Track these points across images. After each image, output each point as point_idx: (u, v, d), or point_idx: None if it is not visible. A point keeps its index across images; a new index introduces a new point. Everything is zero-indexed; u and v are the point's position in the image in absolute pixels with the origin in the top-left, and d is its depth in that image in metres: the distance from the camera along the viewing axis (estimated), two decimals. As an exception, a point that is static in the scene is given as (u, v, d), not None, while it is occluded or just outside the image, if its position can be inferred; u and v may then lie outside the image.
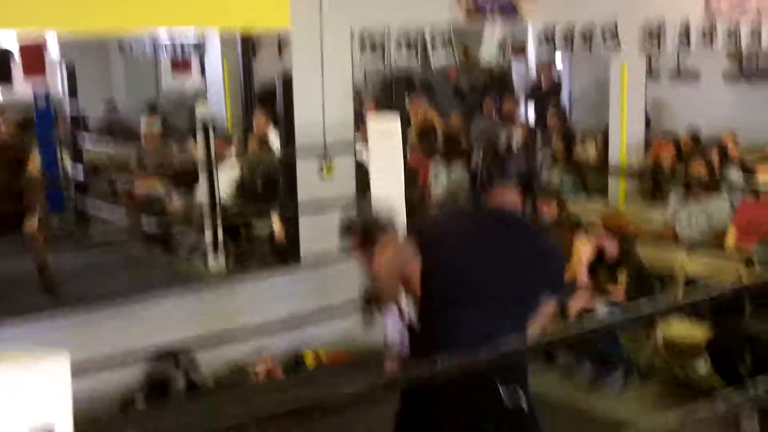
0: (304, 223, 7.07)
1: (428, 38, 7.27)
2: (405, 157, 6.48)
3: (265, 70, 11.42)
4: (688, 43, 9.20)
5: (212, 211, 8.42)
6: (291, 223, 7.30)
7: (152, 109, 14.40)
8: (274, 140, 9.30)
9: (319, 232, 7.09)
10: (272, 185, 8.96)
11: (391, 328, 3.89)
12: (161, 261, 8.50)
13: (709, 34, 9.33)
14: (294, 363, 6.93)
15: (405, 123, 7.11)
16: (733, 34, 9.52)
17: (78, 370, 3.47)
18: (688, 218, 7.59)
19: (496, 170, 3.49)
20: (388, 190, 6.01)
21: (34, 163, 8.84)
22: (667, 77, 12.24)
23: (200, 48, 12.74)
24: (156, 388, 6.39)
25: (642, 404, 6.19)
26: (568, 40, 8.42)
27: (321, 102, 7.05)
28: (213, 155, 8.42)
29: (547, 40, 8.37)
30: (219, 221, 8.38)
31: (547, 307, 3.49)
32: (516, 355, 3.30)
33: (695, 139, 9.41)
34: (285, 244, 7.85)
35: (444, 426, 3.36)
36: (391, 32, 7.22)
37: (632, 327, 5.94)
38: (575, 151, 9.61)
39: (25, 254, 7.49)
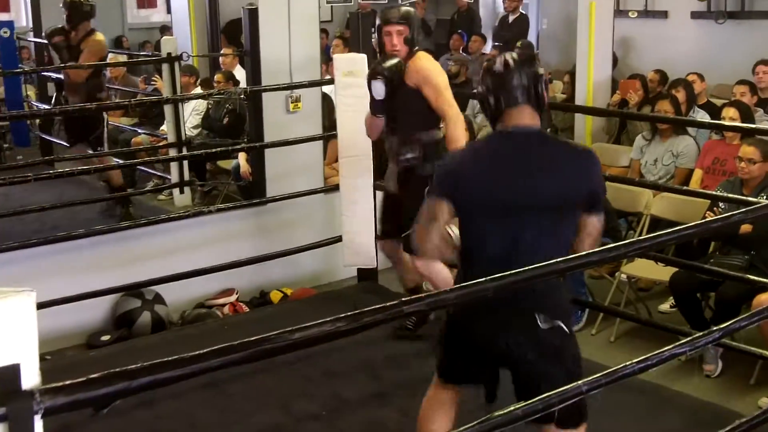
0: (271, 159, 7.04)
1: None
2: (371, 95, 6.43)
3: (231, 4, 11.30)
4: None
5: (178, 146, 8.38)
6: (257, 159, 7.26)
7: (117, 43, 14.25)
8: (241, 75, 9.22)
9: (285, 168, 7.07)
10: (238, 120, 8.91)
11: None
12: (126, 196, 8.45)
13: (677, -28, 9.29)
14: (259, 300, 6.94)
15: (372, 59, 7.06)
16: (702, -27, 9.50)
17: (44, 308, 3.44)
18: (654, 157, 7.62)
19: (503, 93, 3.41)
20: (355, 130, 5.99)
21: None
22: (635, 15, 12.19)
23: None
24: (122, 325, 6.39)
25: (605, 343, 6.25)
26: (537, -24, 8.37)
27: (287, 37, 6.98)
28: (178, 90, 8.37)
29: (516, -24, 8.31)
30: (185, 157, 8.37)
31: (596, 224, 3.47)
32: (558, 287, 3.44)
33: (662, 78, 9.41)
34: (251, 179, 7.82)
35: (488, 345, 3.41)
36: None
37: (597, 266, 5.98)
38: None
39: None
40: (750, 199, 5.60)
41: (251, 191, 7.61)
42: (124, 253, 6.40)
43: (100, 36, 8.04)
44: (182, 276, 6.32)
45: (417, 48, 5.37)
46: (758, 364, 5.50)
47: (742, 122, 6.97)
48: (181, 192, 8.53)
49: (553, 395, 2.88)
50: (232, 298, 6.76)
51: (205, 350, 2.21)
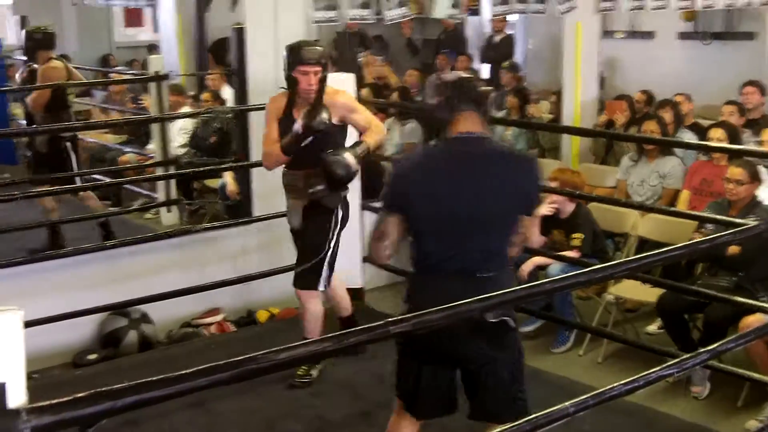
0: (258, 178, 7.03)
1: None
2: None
3: (218, 23, 11.31)
4: (643, 2, 9.20)
5: (165, 164, 8.37)
6: (244, 178, 7.26)
7: (104, 62, 14.27)
8: (228, 94, 9.23)
9: (272, 187, 7.06)
10: (226, 139, 8.91)
11: None
12: (112, 215, 8.43)
13: (664, -6, 9.32)
14: (246, 319, 6.93)
15: (359, 80, 7.07)
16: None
17: (31, 326, 3.42)
18: (641, 178, 7.63)
19: (454, 98, 3.64)
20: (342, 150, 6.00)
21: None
22: (621, 36, 12.26)
23: (153, 0, 12.58)
24: (109, 344, 6.37)
25: (592, 364, 6.25)
26: (524, -3, 8.38)
27: (274, 57, 6.98)
28: (166, 108, 8.37)
29: (503, -3, 8.33)
30: (172, 175, 8.35)
31: (533, 222, 3.88)
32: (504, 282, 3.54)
33: (648, 98, 9.44)
34: (238, 199, 7.81)
35: (442, 342, 3.55)
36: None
37: (584, 287, 5.98)
38: (528, 109, 9.60)
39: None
40: (737, 220, 5.59)
41: (238, 210, 7.60)
42: (110, 271, 6.38)
43: (55, 63, 7.66)
44: (169, 295, 6.30)
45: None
46: (746, 386, 5.51)
47: (730, 143, 6.99)
48: (168, 211, 8.51)
49: (541, 416, 2.87)
50: (219, 317, 6.74)
51: (191, 370, 2.20)
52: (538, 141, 9.65)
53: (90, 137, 10.20)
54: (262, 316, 6.90)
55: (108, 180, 8.29)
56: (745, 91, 8.93)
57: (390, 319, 2.57)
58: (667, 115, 8.15)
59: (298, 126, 5.07)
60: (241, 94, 6.95)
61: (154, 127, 8.39)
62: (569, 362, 6.28)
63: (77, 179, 7.68)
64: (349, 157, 5.06)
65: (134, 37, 15.89)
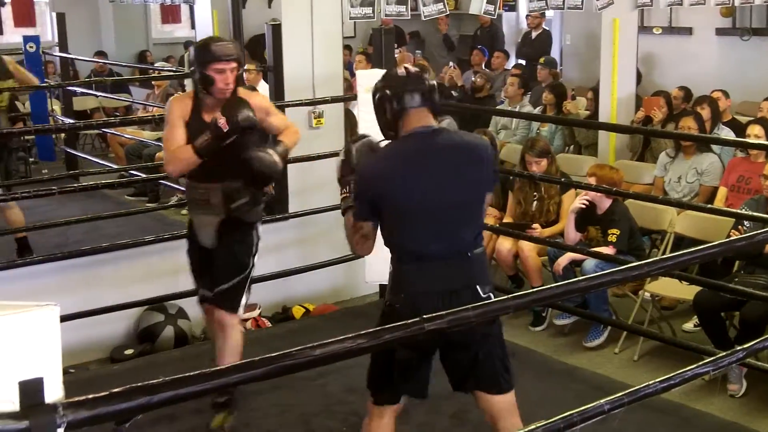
0: (293, 175, 7.05)
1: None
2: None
3: (255, 20, 11.33)
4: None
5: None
6: (279, 175, 7.26)
7: (141, 58, 14.35)
8: (264, 90, 9.25)
9: (308, 184, 7.08)
10: (262, 136, 8.93)
11: None
12: (150, 210, 8.49)
13: (702, -11, 9.25)
14: (281, 315, 6.95)
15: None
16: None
17: (67, 321, 3.44)
18: (678, 175, 7.59)
19: (406, 95, 3.80)
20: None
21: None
22: (659, 32, 12.17)
23: (190, -2, 12.62)
24: (145, 339, 6.41)
25: (628, 362, 6.22)
26: (561, -7, 8.34)
27: (311, 53, 7.01)
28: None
29: (540, -7, 8.29)
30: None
31: (488, 200, 3.98)
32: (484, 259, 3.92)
33: (686, 95, 9.38)
34: (273, 194, 7.83)
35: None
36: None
37: (620, 284, 5.95)
38: (565, 105, 9.57)
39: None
40: (775, 217, 5.56)
41: (273, 206, 7.61)
42: (147, 267, 6.42)
43: None
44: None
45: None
46: (782, 385, 5.47)
47: None
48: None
49: (575, 413, 2.86)
50: (255, 313, 6.76)
51: (226, 365, 2.21)
52: (575, 137, 9.62)
53: (127, 134, 10.28)
54: (297, 311, 6.93)
55: (144, 176, 8.33)
56: (784, 87, 8.85)
57: (425, 316, 2.56)
58: (705, 112, 8.09)
59: (222, 122, 4.53)
60: (277, 90, 6.97)
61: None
62: (604, 360, 6.26)
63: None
64: (274, 155, 4.74)
65: (171, 34, 16.01)
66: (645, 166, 8.48)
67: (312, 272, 6.88)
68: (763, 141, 6.92)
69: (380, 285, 6.91)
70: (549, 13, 13.28)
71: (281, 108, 6.87)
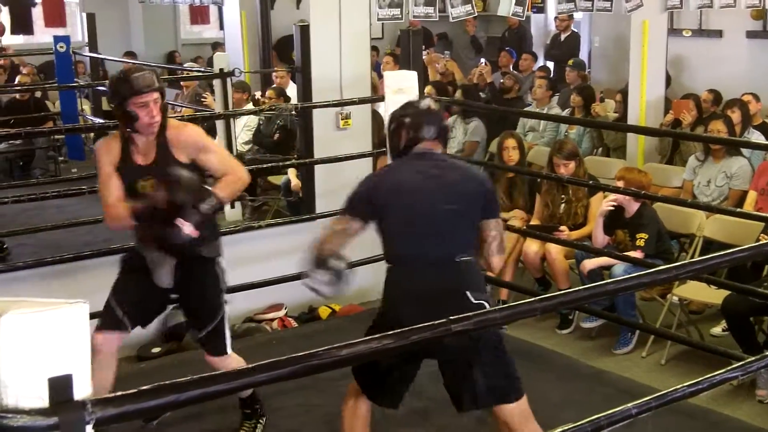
0: (320, 175, 7.06)
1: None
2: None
3: (283, 21, 11.37)
4: (711, 0, 9.09)
5: (229, 161, 8.43)
6: (307, 175, 7.29)
7: (170, 59, 14.41)
8: (292, 92, 9.28)
9: (335, 185, 7.08)
10: (289, 136, 8.96)
11: None
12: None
13: (732, -9, 9.19)
14: (307, 315, 6.96)
15: (422, 76, 7.07)
16: (757, -8, 9.40)
17: (96, 318, 3.45)
18: (707, 178, 7.55)
19: (425, 126, 4.07)
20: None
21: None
22: (689, 34, 12.11)
23: (219, -1, 12.69)
24: (172, 337, 6.43)
25: (655, 366, 6.19)
26: (590, -6, 8.31)
27: (338, 54, 7.01)
28: (230, 105, 8.44)
29: (569, -6, 8.26)
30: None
31: (498, 225, 4.10)
32: (477, 270, 4.06)
33: (716, 98, 9.33)
34: (301, 195, 7.85)
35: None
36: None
37: (648, 288, 5.93)
38: (593, 108, 9.53)
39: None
40: (805, 222, 5.53)
41: (300, 207, 7.64)
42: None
43: None
44: (232, 290, 6.33)
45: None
46: (812, 390, 5.43)
47: (798, 144, 6.90)
48: (232, 207, 8.58)
49: (602, 417, 2.85)
50: (281, 313, 6.78)
51: (252, 365, 2.22)
52: (603, 140, 9.59)
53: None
54: (323, 312, 6.94)
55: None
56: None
57: (452, 317, 2.56)
58: (735, 115, 8.05)
59: (160, 195, 4.16)
60: (305, 92, 6.98)
61: (219, 124, 8.46)
62: (632, 364, 6.23)
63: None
64: (189, 227, 4.22)
65: (199, 35, 16.08)
66: (674, 169, 8.44)
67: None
68: (793, 145, 6.87)
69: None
70: (577, 15, 13.23)
71: (309, 109, 6.90)
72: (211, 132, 9.33)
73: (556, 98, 10.54)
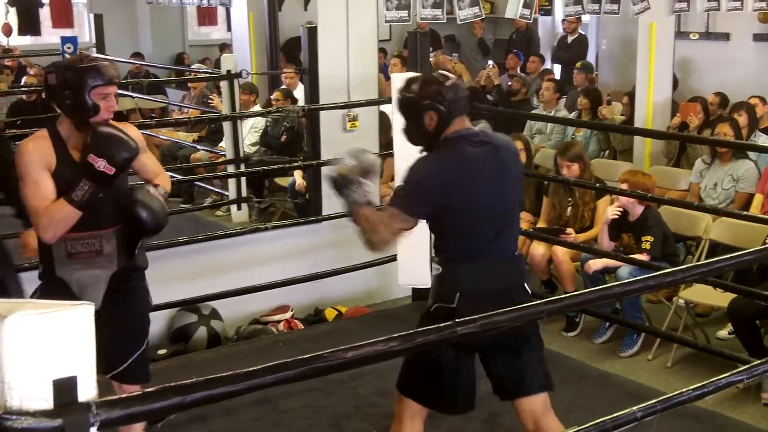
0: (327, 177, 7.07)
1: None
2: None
3: (291, 22, 11.37)
4: (718, 3, 9.07)
5: (236, 162, 8.46)
6: (314, 177, 7.30)
7: (178, 60, 14.43)
8: (301, 93, 9.29)
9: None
10: (296, 138, 8.97)
11: None
12: (184, 211, 8.54)
13: (739, -6, 9.18)
14: (314, 317, 6.97)
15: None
16: (765, -5, 9.39)
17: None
18: (714, 181, 7.53)
19: (455, 102, 3.82)
20: (411, 150, 5.95)
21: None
22: (696, 37, 12.09)
23: (226, 0, 12.69)
24: (179, 339, 6.44)
25: (661, 369, 6.19)
26: (597, -3, 8.30)
27: (346, 56, 7.02)
28: (237, 107, 8.45)
29: (576, -3, 8.25)
30: (243, 173, 8.44)
31: None
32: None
33: (723, 101, 9.32)
34: (307, 197, 7.86)
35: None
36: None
37: (654, 291, 5.92)
38: (600, 110, 9.53)
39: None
40: (812, 225, 5.52)
41: (307, 209, 7.64)
42: (181, 268, 6.44)
43: None
44: (238, 292, 6.36)
45: None
46: (818, 394, 5.42)
47: (805, 147, 6.88)
48: (239, 208, 8.61)
49: (608, 420, 2.85)
50: (287, 315, 6.78)
51: (259, 367, 2.21)
52: (610, 143, 9.58)
53: (162, 135, 10.34)
54: (330, 314, 6.94)
55: (180, 177, 8.37)
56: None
57: (458, 320, 2.57)
58: (742, 118, 8.03)
59: (102, 164, 3.71)
60: (312, 93, 6.99)
61: (226, 125, 8.47)
62: (638, 366, 6.23)
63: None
64: (160, 199, 4.08)
65: (207, 36, 16.10)
66: (681, 172, 8.43)
67: (345, 275, 6.89)
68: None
69: (413, 288, 6.92)
70: (585, 18, 13.22)
71: (316, 111, 6.91)
72: (219, 133, 9.37)
73: (563, 101, 10.53)
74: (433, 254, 3.92)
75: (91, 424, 1.89)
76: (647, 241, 6.36)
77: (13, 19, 13.79)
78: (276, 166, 8.21)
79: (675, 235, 6.66)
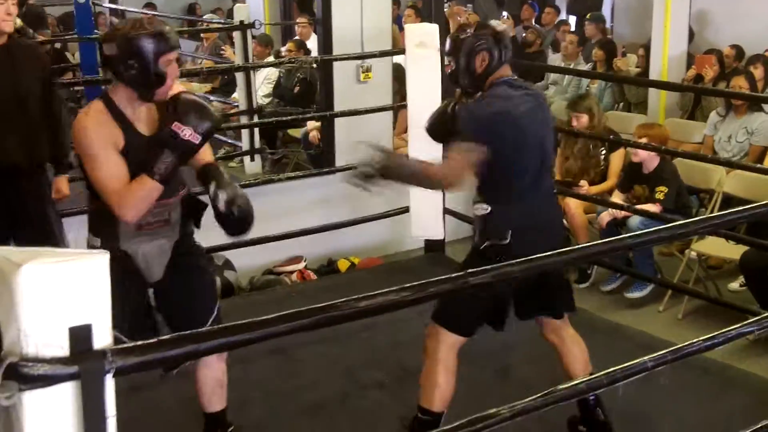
0: (341, 129, 7.06)
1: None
2: (443, 67, 6.39)
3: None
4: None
5: (249, 114, 8.45)
6: (327, 128, 7.29)
7: (190, 10, 14.36)
8: (313, 44, 9.26)
9: (355, 138, 7.08)
10: (309, 89, 8.95)
11: None
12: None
13: (758, -55, 9.10)
14: (327, 268, 6.99)
15: (444, 29, 7.04)
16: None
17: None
18: (728, 134, 7.50)
19: (505, 49, 4.03)
20: (425, 101, 5.95)
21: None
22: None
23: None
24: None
25: (672, 320, 6.20)
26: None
27: (360, 6, 6.98)
28: (250, 58, 8.43)
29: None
30: (256, 124, 8.43)
31: None
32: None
33: (738, 53, 9.25)
34: (321, 148, 7.85)
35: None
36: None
37: (667, 242, 5.92)
38: (615, 62, 9.48)
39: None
40: (826, 178, 5.50)
41: (321, 160, 7.64)
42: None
43: None
44: (251, 243, 6.37)
45: None
46: (829, 346, 5.43)
47: (820, 100, 6.84)
48: (252, 160, 8.61)
49: (618, 370, 2.87)
50: (301, 265, 6.81)
51: (273, 315, 2.23)
52: (625, 95, 9.54)
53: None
54: (342, 265, 6.96)
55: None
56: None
57: (469, 270, 2.58)
58: (758, 71, 7.99)
59: (187, 132, 3.53)
60: (326, 44, 6.96)
61: (239, 77, 8.45)
62: (649, 318, 6.24)
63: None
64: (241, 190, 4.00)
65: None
66: (695, 124, 8.39)
67: (358, 226, 6.90)
68: (816, 100, 6.81)
69: (425, 240, 6.94)
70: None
71: (329, 62, 6.88)
72: (231, 84, 9.36)
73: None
74: (477, 197, 4.05)
75: (107, 371, 1.92)
76: (661, 191, 6.35)
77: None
78: (289, 117, 8.20)
79: (688, 188, 6.65)
